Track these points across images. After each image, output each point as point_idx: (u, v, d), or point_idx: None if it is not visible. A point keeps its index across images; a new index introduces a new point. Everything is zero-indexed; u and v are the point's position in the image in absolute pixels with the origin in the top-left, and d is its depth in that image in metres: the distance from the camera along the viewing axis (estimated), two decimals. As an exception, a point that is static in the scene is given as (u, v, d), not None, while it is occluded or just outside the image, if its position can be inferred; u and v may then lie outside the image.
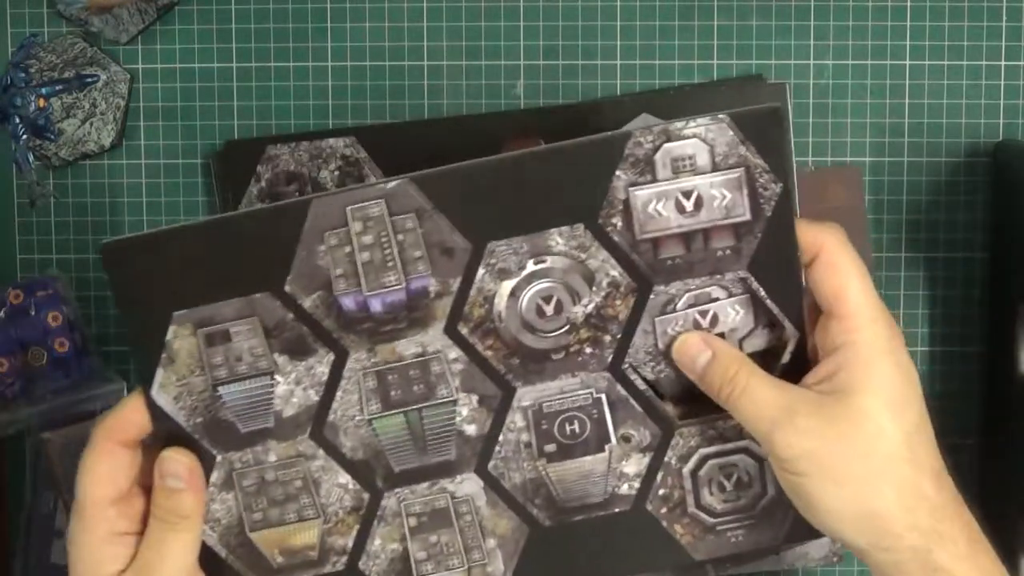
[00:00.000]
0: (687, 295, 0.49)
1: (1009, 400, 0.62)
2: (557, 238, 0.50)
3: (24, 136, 0.62)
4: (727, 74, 0.64)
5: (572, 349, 0.52)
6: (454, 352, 0.51)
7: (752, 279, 0.51)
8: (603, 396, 0.52)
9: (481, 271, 0.50)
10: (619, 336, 0.51)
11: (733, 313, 0.50)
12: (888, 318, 0.47)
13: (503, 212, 0.50)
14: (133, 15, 0.63)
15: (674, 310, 0.49)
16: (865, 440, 0.46)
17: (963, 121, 0.64)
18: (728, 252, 0.51)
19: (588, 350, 0.52)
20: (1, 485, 0.66)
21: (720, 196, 0.50)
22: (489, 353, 0.51)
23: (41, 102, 0.62)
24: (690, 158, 0.50)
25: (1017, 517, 0.60)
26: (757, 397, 0.47)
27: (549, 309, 0.51)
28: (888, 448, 0.46)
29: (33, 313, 0.63)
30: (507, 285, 0.51)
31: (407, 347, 0.51)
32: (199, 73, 0.64)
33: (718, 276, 0.50)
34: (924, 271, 0.64)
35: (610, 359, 0.52)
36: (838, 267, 0.47)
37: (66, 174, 0.65)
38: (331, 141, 0.63)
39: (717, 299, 0.49)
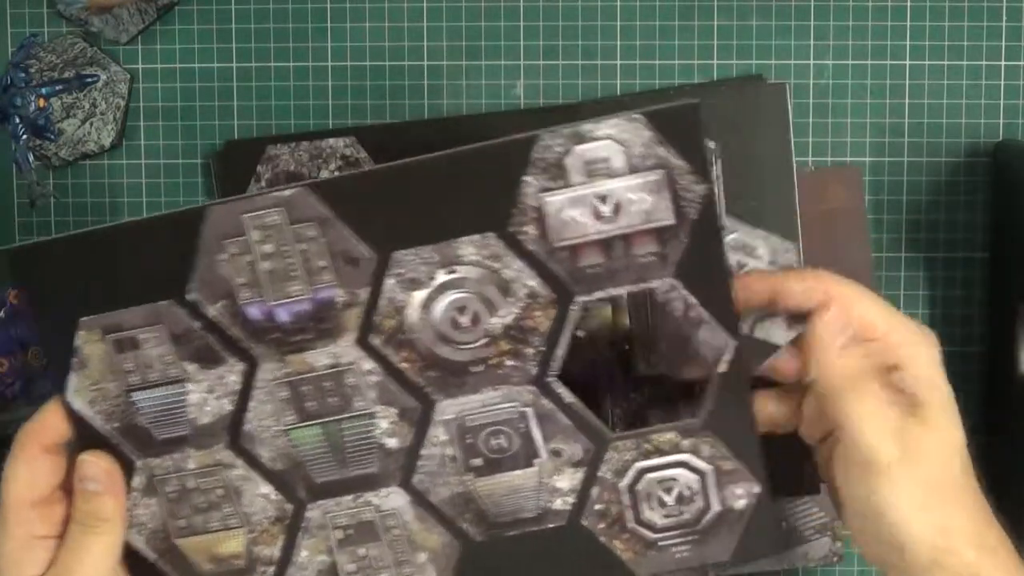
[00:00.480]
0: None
1: (1009, 400, 0.62)
2: (468, 247, 0.49)
3: (24, 136, 0.62)
4: (727, 74, 0.64)
5: (492, 362, 0.50)
6: (368, 364, 0.50)
7: (681, 286, 0.49)
8: (529, 410, 0.51)
9: (390, 281, 0.49)
10: (542, 348, 0.50)
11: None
12: (917, 325, 0.48)
13: (409, 220, 0.48)
14: (133, 15, 0.63)
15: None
16: (942, 451, 0.47)
17: (963, 121, 0.64)
18: (653, 258, 0.49)
19: (510, 363, 0.50)
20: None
21: (639, 200, 0.48)
22: (405, 365, 0.50)
23: (41, 102, 0.62)
24: (604, 161, 0.48)
25: (1018, 518, 0.60)
26: (874, 406, 0.48)
27: (465, 320, 0.50)
28: (959, 464, 0.47)
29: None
30: (418, 296, 0.49)
31: (318, 358, 0.50)
32: (199, 73, 0.64)
33: (643, 284, 0.49)
34: (924, 271, 0.64)
35: (534, 372, 0.50)
36: (852, 302, 0.48)
37: (66, 174, 0.65)
38: (331, 141, 0.63)
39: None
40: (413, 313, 0.50)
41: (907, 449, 0.46)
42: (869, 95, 0.64)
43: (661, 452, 0.51)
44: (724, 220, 0.62)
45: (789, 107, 0.62)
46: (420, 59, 0.64)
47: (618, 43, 0.64)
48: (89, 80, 0.63)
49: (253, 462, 0.51)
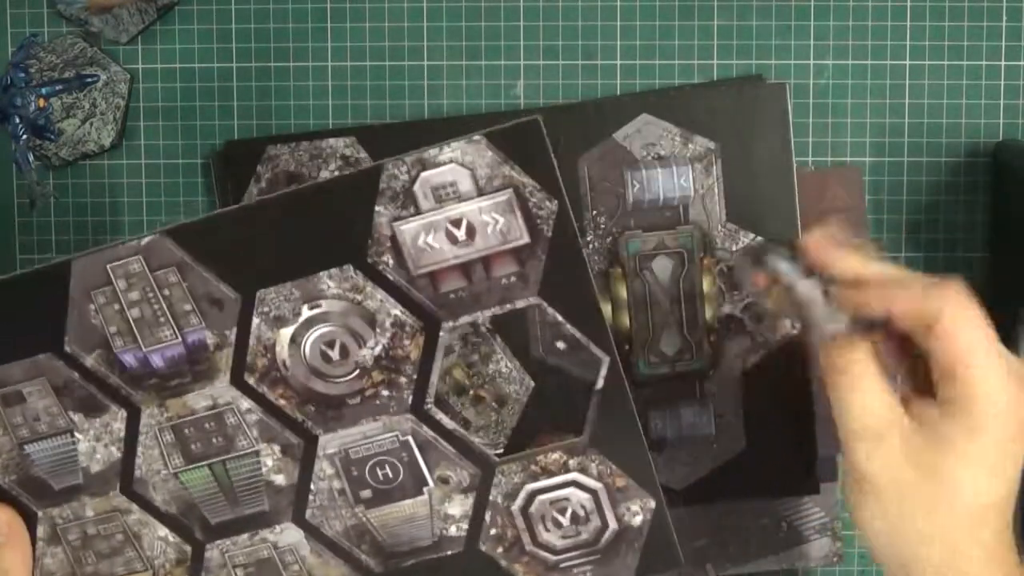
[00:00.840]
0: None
1: (1009, 400, 0.61)
2: (328, 281, 0.49)
3: (24, 136, 0.62)
4: (727, 74, 0.64)
5: (368, 393, 0.51)
6: (246, 403, 0.51)
7: (545, 305, 0.50)
8: (409, 438, 0.51)
9: (256, 320, 0.50)
10: (415, 377, 0.50)
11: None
12: (1018, 387, 0.44)
13: (266, 259, 0.49)
14: (133, 15, 0.63)
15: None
16: (934, 498, 0.44)
17: (963, 121, 0.64)
18: (514, 279, 0.49)
19: (385, 393, 0.51)
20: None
21: (492, 221, 0.49)
22: (282, 402, 0.51)
23: (41, 102, 0.62)
24: (451, 185, 0.49)
25: (1018, 517, 0.60)
26: (862, 402, 0.45)
27: (334, 354, 0.50)
28: (957, 518, 0.44)
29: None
30: (285, 332, 0.50)
31: (197, 400, 0.51)
32: (199, 73, 0.64)
33: (509, 305, 0.49)
34: (924, 271, 0.64)
35: (410, 400, 0.51)
36: (959, 334, 0.44)
37: (66, 174, 0.65)
38: (331, 141, 0.63)
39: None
40: (283, 350, 0.51)
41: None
42: (869, 95, 0.64)
43: (549, 472, 0.52)
44: (723, 217, 0.62)
45: (789, 107, 0.62)
46: (420, 59, 0.64)
47: (618, 43, 0.64)
48: (89, 80, 0.63)
49: (148, 506, 0.52)
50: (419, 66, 0.64)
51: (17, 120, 0.62)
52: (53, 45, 0.64)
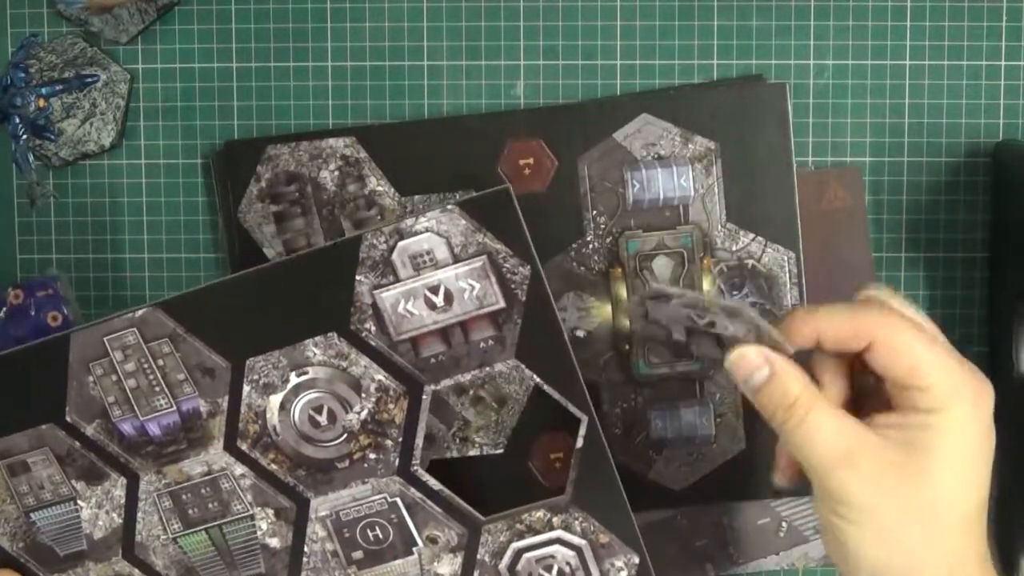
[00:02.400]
0: (685, 298, 0.47)
1: (1009, 400, 0.62)
2: (313, 348, 0.51)
3: (24, 136, 0.62)
4: (727, 74, 0.64)
5: (356, 456, 0.52)
6: (239, 468, 0.53)
7: (523, 367, 0.51)
8: (398, 500, 0.53)
9: (246, 388, 0.51)
10: (401, 439, 0.52)
11: (733, 328, 0.46)
12: (975, 380, 0.44)
13: (255, 328, 0.51)
14: (133, 15, 0.63)
15: (668, 303, 0.47)
16: (928, 506, 0.43)
17: (963, 121, 0.64)
18: (492, 342, 0.51)
19: (372, 456, 0.52)
20: (1, 485, 0.66)
21: (469, 287, 0.50)
22: (274, 467, 0.52)
23: (41, 102, 0.62)
24: (428, 253, 0.50)
25: (1017, 518, 0.60)
26: (817, 436, 0.43)
27: (322, 419, 0.52)
28: (950, 521, 0.43)
29: (33, 313, 0.63)
30: (275, 399, 0.52)
31: (193, 466, 0.53)
32: (199, 73, 0.64)
33: (487, 368, 0.51)
34: (924, 271, 0.64)
35: (397, 463, 0.52)
36: (902, 346, 0.43)
37: (66, 174, 0.65)
38: (331, 141, 0.63)
39: (716, 313, 0.46)
40: (273, 416, 0.52)
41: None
42: (869, 95, 0.64)
43: (534, 531, 0.53)
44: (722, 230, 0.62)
45: (789, 107, 0.62)
46: (420, 59, 0.64)
47: (618, 43, 0.64)
48: (89, 80, 0.63)
49: (149, 571, 0.54)
50: (419, 66, 0.64)
51: (17, 120, 0.62)
52: (53, 45, 0.64)
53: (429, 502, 0.52)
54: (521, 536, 0.53)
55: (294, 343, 0.51)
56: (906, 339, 0.43)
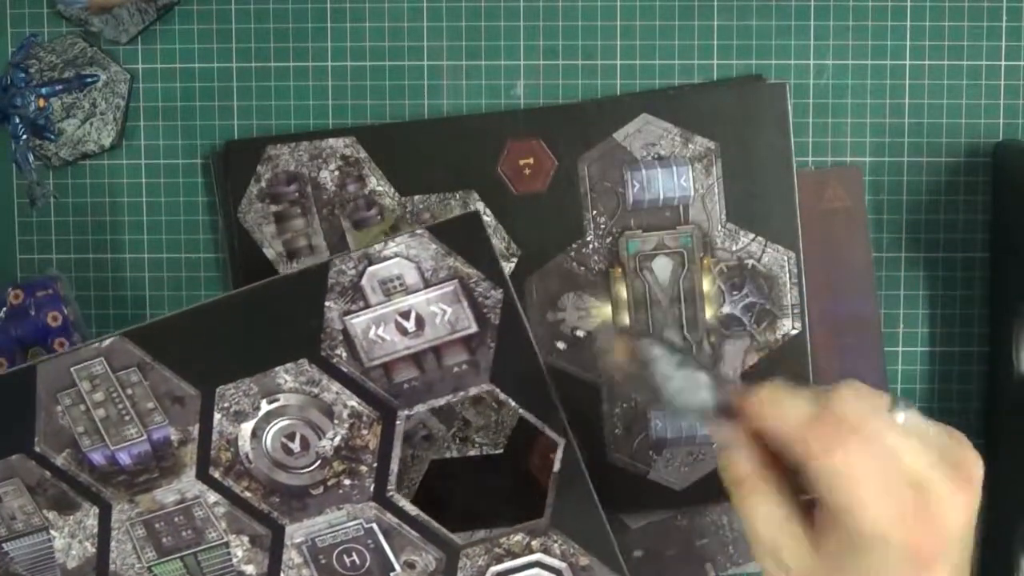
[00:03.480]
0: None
1: (1009, 400, 0.62)
2: (284, 376, 0.51)
3: (24, 136, 0.62)
4: (727, 74, 0.64)
5: (330, 483, 0.52)
6: (213, 496, 0.52)
7: (497, 391, 0.51)
8: (374, 525, 0.52)
9: (217, 416, 0.51)
10: (375, 465, 0.51)
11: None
12: (964, 472, 0.42)
13: (224, 356, 0.51)
14: (133, 15, 0.63)
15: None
16: None
17: (963, 121, 0.64)
18: (465, 367, 0.51)
19: (347, 482, 0.52)
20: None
21: (440, 311, 0.50)
22: (248, 494, 0.52)
23: (41, 102, 0.62)
24: (398, 278, 0.50)
25: (1017, 517, 0.60)
26: (752, 518, 0.43)
27: (295, 446, 0.51)
28: None
29: (33, 313, 0.63)
30: (246, 427, 0.51)
31: (166, 495, 0.52)
32: (199, 73, 0.64)
33: (462, 392, 0.50)
34: (924, 271, 0.64)
35: (372, 488, 0.52)
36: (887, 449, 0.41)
37: (66, 174, 0.65)
38: (331, 141, 0.63)
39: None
40: (245, 444, 0.52)
41: None
42: (869, 95, 0.64)
43: (513, 554, 0.53)
44: (723, 225, 0.62)
45: (789, 107, 0.62)
46: (420, 59, 0.64)
47: (618, 43, 0.64)
48: (89, 80, 0.63)
49: None
50: (419, 66, 0.64)
51: (17, 120, 0.62)
52: (53, 45, 0.64)
53: (406, 527, 0.52)
54: (500, 560, 0.53)
55: (264, 370, 0.51)
56: (878, 444, 0.42)
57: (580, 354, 0.63)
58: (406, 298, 0.50)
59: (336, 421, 0.51)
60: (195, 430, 0.51)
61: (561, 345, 0.63)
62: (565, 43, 0.64)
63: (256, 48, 0.64)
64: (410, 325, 0.50)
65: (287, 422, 0.51)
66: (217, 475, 0.52)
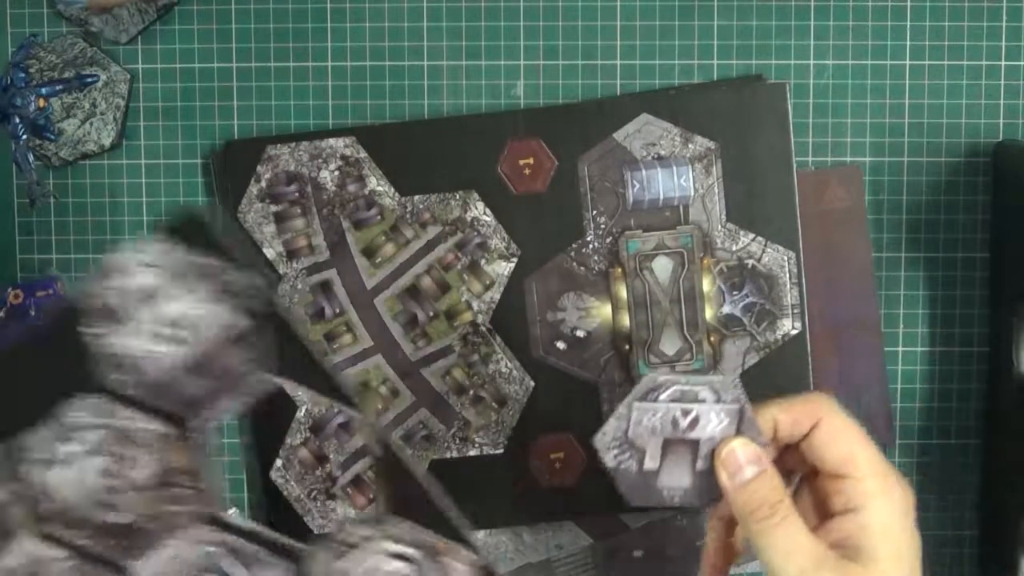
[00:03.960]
0: (674, 388, 0.46)
1: (1009, 400, 0.62)
2: (75, 413, 0.49)
3: (24, 136, 0.62)
4: (727, 74, 0.64)
5: (158, 512, 0.51)
6: (54, 551, 0.51)
7: (290, 382, 0.49)
8: (214, 548, 0.51)
9: (24, 467, 0.50)
10: (195, 485, 0.51)
11: (716, 421, 0.46)
12: (897, 477, 0.46)
13: (10, 403, 0.49)
14: (133, 15, 0.63)
15: (656, 399, 0.46)
16: None
17: (963, 121, 0.64)
18: (251, 364, 0.49)
19: (173, 508, 0.51)
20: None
21: (207, 312, 0.48)
22: (86, 542, 0.50)
23: (41, 102, 0.62)
24: (151, 288, 0.48)
25: (1017, 517, 0.60)
26: (793, 538, 0.44)
27: (112, 482, 0.50)
28: None
29: (33, 313, 0.63)
30: (55, 473, 0.50)
31: (8, 561, 0.51)
32: (199, 73, 0.64)
33: (250, 397, 0.48)
34: (924, 271, 0.64)
35: (202, 510, 0.50)
36: (841, 433, 0.45)
37: (66, 174, 0.65)
38: (331, 141, 0.63)
39: (704, 400, 0.46)
40: (64, 490, 0.50)
41: None
42: (869, 95, 0.64)
43: (355, 548, 0.52)
44: (723, 225, 0.62)
45: (789, 107, 0.62)
46: (420, 59, 0.64)
47: (618, 43, 0.64)
48: (89, 80, 0.63)
49: None
50: (419, 66, 0.64)
51: (17, 120, 0.62)
52: (53, 45, 0.64)
53: (249, 543, 0.51)
54: (344, 556, 0.52)
55: (53, 410, 0.49)
56: (847, 425, 0.45)
57: (580, 354, 0.63)
58: (166, 306, 0.49)
59: (141, 448, 0.50)
60: (12, 486, 0.50)
61: (561, 345, 0.63)
62: (565, 43, 0.64)
63: (256, 48, 0.64)
64: (183, 333, 0.49)
65: (94, 460, 0.50)
66: (50, 530, 0.50)
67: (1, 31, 0.64)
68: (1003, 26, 0.63)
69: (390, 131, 0.63)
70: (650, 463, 0.47)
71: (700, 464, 0.46)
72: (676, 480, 0.47)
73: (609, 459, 0.47)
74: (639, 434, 0.46)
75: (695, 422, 0.46)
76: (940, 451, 0.65)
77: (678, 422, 0.46)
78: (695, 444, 0.46)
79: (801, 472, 0.47)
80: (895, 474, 0.45)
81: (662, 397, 0.46)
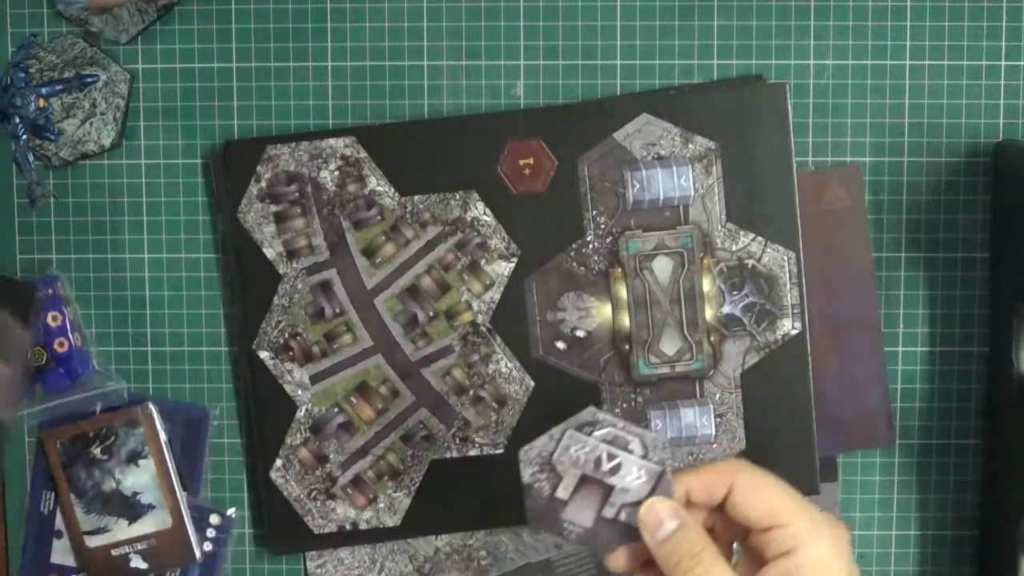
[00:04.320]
0: (609, 429, 0.47)
1: (1009, 400, 0.62)
2: None
3: (24, 136, 0.62)
4: (727, 74, 0.64)
5: None
6: None
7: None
8: None
9: None
10: None
11: (635, 475, 0.47)
12: (827, 517, 0.47)
13: None
14: (133, 15, 0.63)
15: (589, 434, 0.47)
16: None
17: (963, 121, 0.64)
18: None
19: None
20: (1, 485, 0.66)
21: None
22: None
23: (41, 102, 0.62)
24: None
25: (1017, 517, 0.60)
26: None
27: None
28: None
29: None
30: None
31: None
32: (199, 73, 0.64)
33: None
34: (924, 271, 0.64)
35: None
36: (758, 488, 0.47)
37: (66, 174, 0.65)
38: (331, 141, 0.63)
39: (632, 451, 0.47)
40: None
41: None
42: (869, 95, 0.64)
43: None
44: (724, 220, 0.62)
45: (789, 107, 0.62)
46: (420, 59, 0.64)
47: (618, 43, 0.64)
48: (89, 80, 0.63)
49: None
50: (419, 66, 0.64)
51: (17, 120, 0.62)
52: (53, 45, 0.64)
53: None
54: None
55: None
56: (762, 481, 0.47)
57: (580, 354, 0.63)
58: None
59: None
60: None
61: (561, 345, 0.63)
62: (565, 43, 0.64)
63: (256, 48, 0.64)
64: None
65: None
66: None
67: (1, 31, 0.64)
68: (1003, 26, 0.63)
69: (390, 131, 0.63)
70: (562, 492, 0.47)
71: (607, 511, 0.47)
72: (580, 518, 0.48)
73: (527, 474, 0.48)
74: (562, 461, 0.47)
75: (616, 469, 0.47)
76: (940, 451, 0.65)
77: (601, 463, 0.47)
78: (609, 489, 0.47)
79: (737, 539, 0.49)
80: (824, 515, 0.47)
81: (596, 434, 0.47)
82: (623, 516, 0.47)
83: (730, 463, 0.48)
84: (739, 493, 0.47)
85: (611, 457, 0.47)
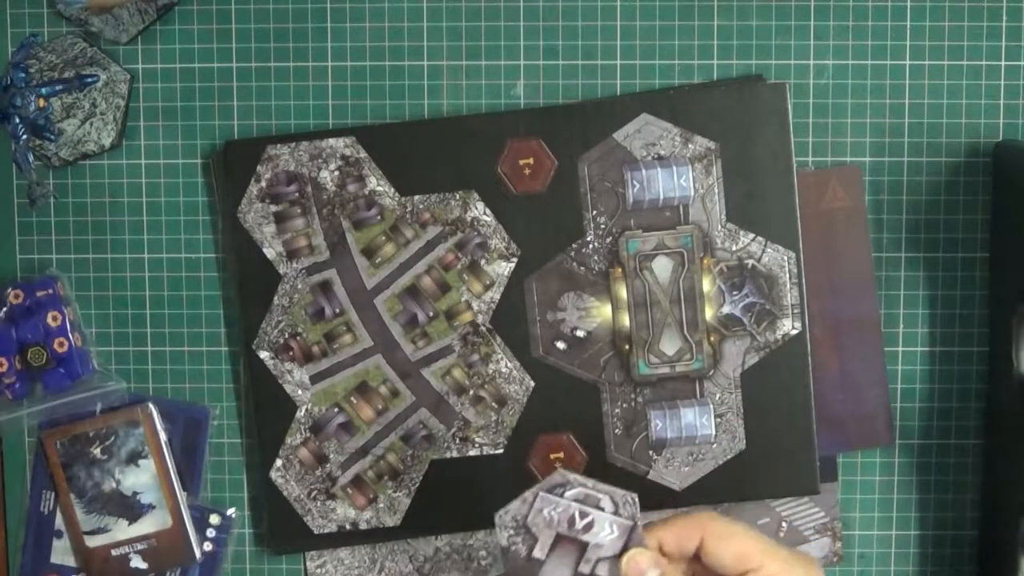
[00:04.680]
0: (579, 489, 0.48)
1: (1009, 400, 0.62)
2: None
3: (24, 136, 0.62)
4: (727, 74, 0.64)
5: None
6: None
7: None
8: None
9: None
10: None
11: (608, 531, 0.48)
12: (798, 556, 0.49)
13: None
14: (133, 15, 0.63)
15: (561, 495, 0.48)
16: None
17: (963, 121, 0.64)
18: None
19: None
20: (1, 485, 0.66)
21: None
22: None
23: (41, 102, 0.62)
24: None
25: (1017, 517, 0.60)
26: None
27: None
28: None
29: (33, 313, 0.63)
30: None
31: None
32: (199, 73, 0.64)
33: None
34: (924, 271, 0.64)
35: None
36: (727, 536, 0.48)
37: (66, 174, 0.65)
38: (331, 141, 0.63)
39: (603, 509, 0.48)
40: None
41: None
42: (869, 95, 0.64)
43: None
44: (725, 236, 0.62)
45: (789, 107, 0.62)
46: (420, 59, 0.64)
47: (618, 43, 0.64)
48: (89, 80, 0.63)
49: None
50: (419, 66, 0.64)
51: (17, 120, 0.61)
52: (53, 45, 0.64)
53: None
54: None
55: None
56: (732, 527, 0.49)
57: (580, 354, 0.63)
58: None
59: None
60: None
61: (561, 345, 0.63)
62: (565, 43, 0.64)
63: (256, 48, 0.64)
64: None
65: None
66: None
67: (1, 31, 0.64)
68: (1003, 26, 0.63)
69: (390, 131, 0.63)
70: (539, 552, 0.49)
71: (583, 567, 0.48)
72: (557, 575, 0.48)
73: (503, 538, 0.49)
74: (536, 523, 0.48)
75: (590, 526, 0.48)
76: (940, 451, 0.65)
77: (575, 521, 0.48)
78: (584, 547, 0.48)
79: None
80: (796, 554, 0.49)
81: (567, 494, 0.48)
82: (599, 571, 0.48)
83: (699, 515, 0.49)
84: (711, 541, 0.48)
85: (583, 515, 0.48)
